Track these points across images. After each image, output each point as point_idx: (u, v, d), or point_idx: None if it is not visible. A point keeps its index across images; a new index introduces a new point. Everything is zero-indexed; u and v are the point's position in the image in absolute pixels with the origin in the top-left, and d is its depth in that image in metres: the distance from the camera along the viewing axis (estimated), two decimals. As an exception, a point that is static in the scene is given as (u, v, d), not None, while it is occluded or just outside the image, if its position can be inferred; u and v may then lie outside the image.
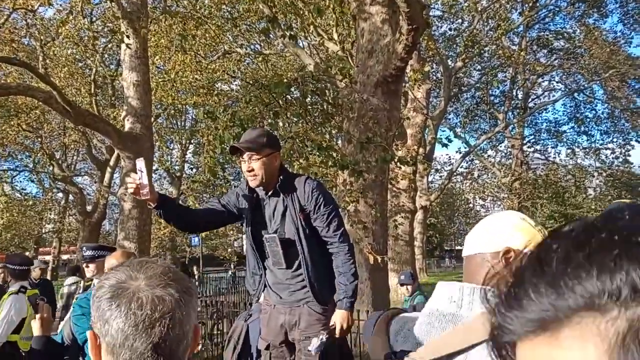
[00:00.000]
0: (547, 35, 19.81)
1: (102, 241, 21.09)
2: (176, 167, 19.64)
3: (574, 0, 17.82)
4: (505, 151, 23.74)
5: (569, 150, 22.92)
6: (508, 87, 21.29)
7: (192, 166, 19.49)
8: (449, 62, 16.45)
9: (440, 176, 23.06)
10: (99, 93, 16.52)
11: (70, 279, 7.86)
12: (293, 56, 12.35)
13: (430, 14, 13.70)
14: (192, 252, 25.33)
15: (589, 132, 22.20)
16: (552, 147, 23.61)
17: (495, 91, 21.54)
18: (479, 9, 14.89)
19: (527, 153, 23.64)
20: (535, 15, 18.08)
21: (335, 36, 11.00)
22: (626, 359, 0.29)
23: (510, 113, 21.81)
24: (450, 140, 10.36)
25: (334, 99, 7.22)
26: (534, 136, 23.66)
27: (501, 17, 16.23)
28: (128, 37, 9.44)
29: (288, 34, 7.71)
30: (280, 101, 6.50)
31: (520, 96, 22.38)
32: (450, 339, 1.09)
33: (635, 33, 19.14)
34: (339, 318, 2.54)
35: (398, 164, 6.55)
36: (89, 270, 3.46)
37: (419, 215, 14.62)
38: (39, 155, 18.96)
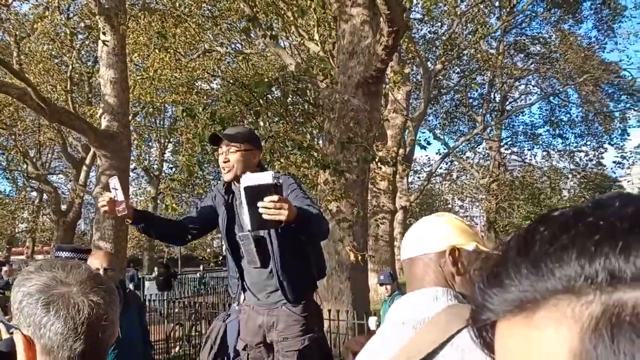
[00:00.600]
0: (524, 40, 20.17)
1: (77, 241, 20.69)
2: (155, 166, 19.37)
3: (550, 6, 18.16)
4: (483, 153, 24.07)
5: (544, 153, 23.37)
6: (486, 90, 21.59)
7: (170, 165, 19.33)
8: (429, 65, 16.60)
9: (419, 177, 23.26)
10: (76, 90, 16.20)
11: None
12: (274, 56, 12.31)
13: (411, 16, 13.81)
14: (171, 252, 25.07)
15: (564, 135, 22.67)
16: (529, 150, 24.05)
17: (474, 94, 21.84)
18: (458, 12, 15.07)
19: (505, 155, 24.02)
20: (513, 20, 18.37)
21: (316, 37, 11.01)
22: (597, 344, 0.30)
23: (488, 115, 22.12)
24: (429, 143, 10.44)
25: (315, 99, 7.23)
26: (511, 138, 24.06)
27: (479, 22, 16.46)
28: (105, 33, 9.28)
29: (269, 34, 7.69)
30: (261, 101, 6.47)
31: (498, 99, 22.72)
32: (419, 341, 1.09)
33: (608, 39, 19.59)
34: (288, 202, 2.18)
35: (379, 164, 6.59)
36: None
37: (399, 215, 14.71)
38: (12, 153, 18.52)
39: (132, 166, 15.19)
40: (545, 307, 0.33)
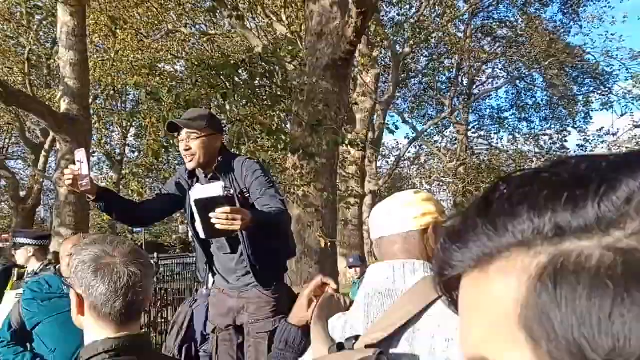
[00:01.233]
0: (491, 23, 20.34)
1: (37, 228, 20.05)
2: (117, 151, 18.88)
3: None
4: (451, 137, 24.34)
5: (510, 136, 23.78)
6: (454, 74, 21.76)
7: (133, 149, 18.84)
8: (397, 48, 16.58)
9: (388, 161, 23.41)
10: (34, 73, 15.57)
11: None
12: (240, 37, 12.05)
13: (379, -2, 13.71)
14: (134, 238, 24.61)
15: (529, 119, 23.11)
16: (495, 133, 24.42)
17: (442, 78, 21.98)
18: (427, -5, 15.07)
19: (472, 138, 24.34)
20: (480, 4, 18.49)
21: (283, 18, 10.81)
22: (541, 291, 0.32)
23: (455, 99, 22.34)
24: (397, 127, 10.50)
25: (283, 82, 7.10)
26: (478, 122, 24.37)
27: (447, 4, 16.49)
28: (73, 15, 8.90)
29: (235, 15, 7.49)
30: (227, 83, 6.31)
31: (465, 83, 22.95)
32: (395, 313, 1.10)
33: (573, 23, 19.91)
34: (242, 211, 2.16)
35: (348, 147, 6.54)
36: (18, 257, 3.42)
37: (368, 200, 14.76)
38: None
39: (92, 150, 14.76)
40: (499, 260, 0.34)
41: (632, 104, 19.20)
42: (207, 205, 2.10)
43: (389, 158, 23.64)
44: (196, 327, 3.46)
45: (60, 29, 9.14)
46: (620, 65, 18.95)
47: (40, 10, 11.16)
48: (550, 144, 23.01)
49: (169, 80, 10.44)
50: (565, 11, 19.57)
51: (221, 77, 6.12)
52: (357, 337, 1.12)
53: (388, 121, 16.56)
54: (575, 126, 22.24)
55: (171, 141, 6.44)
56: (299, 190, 5.88)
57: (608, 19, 21.40)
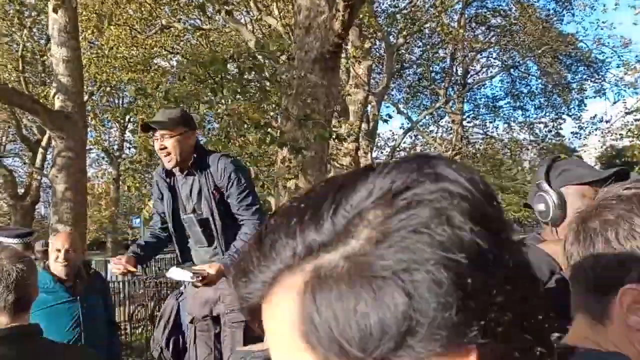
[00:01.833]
0: (485, 12, 20.30)
1: (37, 225, 20.14)
2: (115, 147, 18.93)
3: (510, -23, 18.32)
4: (446, 126, 24.37)
5: (505, 125, 23.81)
6: (448, 63, 21.75)
7: (130, 145, 18.93)
8: (391, 39, 16.59)
9: (383, 152, 23.45)
10: (28, 70, 15.58)
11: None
12: (234, 32, 12.09)
13: (371, -11, 13.70)
14: (134, 234, 24.71)
15: (524, 107, 23.12)
16: (490, 122, 24.43)
17: (436, 68, 21.97)
18: (419, -15, 15.05)
19: (467, 128, 24.37)
20: (474, -7, 18.47)
21: (275, 12, 10.84)
22: (306, 303, 0.37)
23: (450, 89, 22.34)
24: (390, 117, 10.55)
25: (272, 76, 7.17)
26: (473, 111, 24.37)
27: (441, -6, 16.47)
28: (55, 10, 8.92)
29: (224, 10, 7.55)
30: (216, 78, 6.39)
31: (459, 72, 22.94)
32: None
33: (566, 11, 19.88)
34: (210, 267, 2.49)
35: (336, 140, 6.62)
36: None
37: (363, 190, 14.78)
38: (-38, 136, 17.81)
39: (89, 147, 14.81)
40: (275, 286, 0.39)
41: (625, 91, 19.23)
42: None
43: (385, 149, 23.70)
44: (182, 319, 3.58)
45: (52, 25, 9.18)
46: (612, 53, 18.98)
47: (25, 7, 11.14)
48: (546, 131, 23.07)
49: (159, 76, 10.49)
50: (558, -1, 19.56)
51: (210, 72, 6.19)
52: None
53: (383, 112, 16.62)
54: (570, 114, 22.29)
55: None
56: (289, 183, 5.98)
57: (599, 7, 21.40)
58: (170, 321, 3.51)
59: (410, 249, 0.36)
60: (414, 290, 0.35)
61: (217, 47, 12.77)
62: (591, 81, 20.85)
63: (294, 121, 6.17)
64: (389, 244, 0.36)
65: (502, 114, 23.44)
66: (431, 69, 21.41)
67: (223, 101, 6.27)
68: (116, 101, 17.72)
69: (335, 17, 6.34)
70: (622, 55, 18.53)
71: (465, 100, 23.38)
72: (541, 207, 1.56)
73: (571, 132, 22.71)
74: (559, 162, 1.63)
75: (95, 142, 15.20)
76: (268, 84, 7.24)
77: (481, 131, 24.63)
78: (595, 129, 21.55)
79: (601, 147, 25.13)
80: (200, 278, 2.45)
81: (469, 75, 23.11)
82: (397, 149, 20.81)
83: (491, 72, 22.93)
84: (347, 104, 12.16)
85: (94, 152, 19.49)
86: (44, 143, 16.24)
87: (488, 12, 20.15)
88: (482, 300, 0.36)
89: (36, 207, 19.21)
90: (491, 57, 22.94)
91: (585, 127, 21.87)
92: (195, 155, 2.64)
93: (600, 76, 20.22)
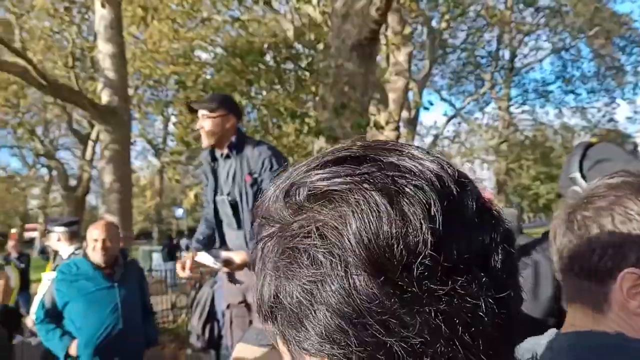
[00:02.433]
0: (533, -7, 19.50)
1: (88, 215, 21.01)
2: (159, 139, 19.44)
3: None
4: (492, 113, 23.69)
5: (556, 110, 22.94)
6: (494, 47, 21.06)
7: (173, 138, 19.33)
8: (433, 24, 16.20)
9: (425, 141, 23.04)
10: (78, 66, 16.15)
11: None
12: (274, 22, 12.09)
13: (412, -26, 13.37)
14: (178, 224, 25.38)
15: (576, 91, 22.16)
16: (540, 107, 23.60)
17: (482, 52, 21.31)
18: (462, -33, 14.58)
19: (515, 114, 23.60)
20: (521, -27, 17.74)
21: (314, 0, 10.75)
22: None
23: (496, 74, 21.67)
24: (431, 104, 10.31)
25: (309, 65, 7.12)
26: (521, 96, 23.56)
27: (486, -24, 15.92)
28: (104, 6, 9.19)
29: (262, 0, 7.55)
30: (253, 69, 6.40)
31: (506, 56, 22.19)
32: None
33: (620, -11, 18.83)
34: (237, 255, 2.55)
35: (374, 128, 6.52)
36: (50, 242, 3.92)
37: (405, 180, 14.56)
38: (19, 131, 18.68)
39: (134, 140, 15.24)
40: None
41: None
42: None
43: (427, 137, 23.28)
44: (217, 307, 3.62)
45: (99, 22, 9.49)
46: (671, 32, 17.87)
47: (74, 5, 11.52)
48: (599, 116, 22.07)
49: (204, 67, 10.65)
50: (611, -24, 18.53)
51: (246, 63, 6.20)
52: None
53: (424, 99, 16.27)
54: (624, 98, 21.21)
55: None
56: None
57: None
58: (205, 309, 3.57)
59: (291, 272, 0.43)
60: (279, 299, 0.44)
61: (255, 37, 12.82)
62: (647, 63, 19.75)
63: (331, 110, 6.11)
64: (283, 257, 0.44)
65: (552, 99, 22.57)
66: (476, 53, 20.79)
67: (261, 91, 6.27)
68: (160, 94, 18.16)
69: (373, 4, 6.23)
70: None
71: (513, 85, 22.64)
72: None
73: (626, 117, 21.66)
74: (592, 149, 1.51)
75: (140, 134, 15.61)
76: (305, 73, 7.20)
77: (530, 117, 23.81)
78: (653, 113, 20.41)
79: (659, 131, 23.78)
80: (223, 264, 2.50)
81: (516, 59, 22.31)
82: (440, 137, 20.40)
83: (540, 55, 22.10)
84: (386, 92, 11.97)
85: (139, 145, 20.10)
86: (93, 136, 16.85)
87: (536, -7, 19.34)
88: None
89: (87, 198, 20.03)
90: (540, 39, 22.08)
91: (641, 112, 20.75)
92: (234, 140, 2.69)
93: (657, 57, 19.14)
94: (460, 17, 16.58)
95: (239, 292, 2.75)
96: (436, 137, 18.80)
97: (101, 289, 3.00)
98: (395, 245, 0.39)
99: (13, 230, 18.19)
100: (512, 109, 23.08)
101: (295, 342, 0.43)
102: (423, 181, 0.41)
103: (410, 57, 13.07)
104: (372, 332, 0.39)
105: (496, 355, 0.42)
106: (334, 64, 6.55)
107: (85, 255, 3.09)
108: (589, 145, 1.53)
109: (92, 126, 16.57)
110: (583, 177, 1.46)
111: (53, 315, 3.00)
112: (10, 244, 7.83)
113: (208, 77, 7.50)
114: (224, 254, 2.56)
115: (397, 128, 10.78)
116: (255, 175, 2.63)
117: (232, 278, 2.78)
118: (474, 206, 0.43)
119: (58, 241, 3.81)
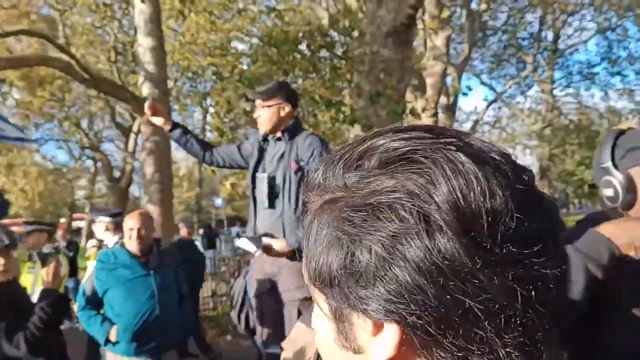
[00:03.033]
0: (578, -30, 18.71)
1: (131, 206, 21.67)
2: (197, 130, 19.78)
3: None
4: (534, 96, 22.96)
5: (602, 93, 22.02)
6: (537, 28, 20.33)
7: (210, 128, 19.59)
8: (472, 5, 15.77)
9: (464, 126, 22.55)
10: (120, 60, 16.56)
11: (92, 241, 8.29)
12: (309, 10, 12.05)
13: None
14: (217, 213, 25.86)
15: (623, 73, 21.17)
16: (585, 90, 22.74)
17: (523, 33, 20.61)
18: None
19: (558, 97, 22.79)
20: (565, -50, 17.03)
21: (349, -14, 10.63)
22: (307, 224, 0.48)
23: (539, 56, 20.94)
24: (470, 89, 10.08)
25: (344, 53, 7.07)
26: (565, 79, 22.69)
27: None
28: (143, 0, 9.36)
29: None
30: (288, 58, 6.40)
31: (549, 38, 21.39)
32: None
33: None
34: (277, 242, 2.57)
35: (409, 115, 6.42)
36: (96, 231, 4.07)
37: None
38: (65, 124, 19.38)
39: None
40: (312, 206, 0.49)
41: None
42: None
43: (466, 123, 22.78)
44: (248, 296, 3.67)
45: (138, 16, 9.66)
46: None
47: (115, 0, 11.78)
48: (649, 98, 21.04)
49: (237, 58, 10.73)
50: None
51: (281, 52, 6.21)
52: None
53: (463, 84, 15.91)
54: (677, 77, 20.11)
55: (241, 118, 6.67)
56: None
57: None
58: (238, 299, 3.63)
59: (368, 228, 0.42)
60: (353, 258, 0.43)
61: (290, 26, 12.82)
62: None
63: (366, 98, 6.05)
64: (360, 214, 0.42)
65: (597, 81, 21.64)
66: (517, 35, 20.12)
67: (296, 80, 6.26)
68: (198, 86, 18.43)
69: (408, -13, 6.11)
70: None
71: (556, 68, 21.83)
72: (609, 192, 1.42)
73: (678, 98, 20.53)
74: (623, 137, 1.44)
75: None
76: (340, 61, 7.15)
77: (574, 100, 22.94)
78: None
79: None
80: (263, 251, 2.54)
81: (560, 40, 21.48)
82: (480, 122, 19.93)
83: (585, 35, 21.22)
84: (423, 77, 11.76)
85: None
86: (135, 128, 17.30)
87: (581, -30, 18.54)
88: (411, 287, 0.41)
89: (130, 189, 20.67)
90: (585, 19, 21.22)
91: (695, 92, 19.66)
92: (289, 126, 2.75)
93: None
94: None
95: (266, 279, 2.78)
96: (476, 122, 18.37)
97: (138, 276, 3.09)
98: (483, 207, 0.40)
99: (62, 220, 19.01)
100: (555, 92, 22.30)
101: (360, 305, 0.43)
102: (498, 154, 0.44)
103: (449, 41, 12.77)
104: (451, 292, 0.40)
105: (554, 329, 0.43)
106: (369, 51, 6.47)
107: (122, 245, 3.20)
108: (620, 133, 1.46)
109: (133, 119, 17.00)
110: (615, 166, 1.41)
111: (93, 302, 3.11)
112: (59, 233, 8.16)
113: (244, 67, 7.54)
114: (265, 240, 2.59)
115: (434, 114, 10.59)
116: (302, 163, 2.67)
117: (260, 268, 2.81)
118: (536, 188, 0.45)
119: (105, 231, 3.96)
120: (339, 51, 7.14)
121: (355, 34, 7.12)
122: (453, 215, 0.39)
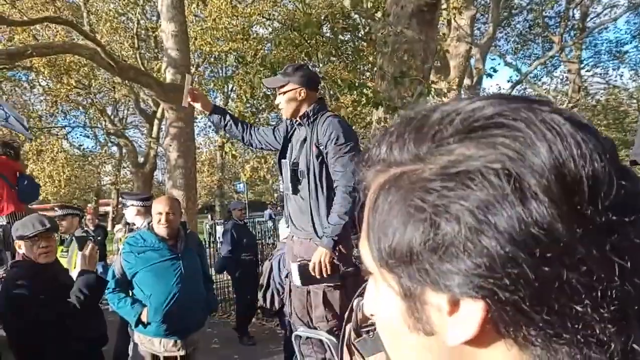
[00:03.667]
0: (608, -56, 18.05)
1: (155, 191, 22.02)
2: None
3: None
4: (561, 77, 22.39)
5: (632, 72, 21.37)
6: (564, 6, 19.74)
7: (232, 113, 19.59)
8: (497, -15, 15.37)
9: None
10: (143, 46, 16.69)
11: (118, 226, 8.47)
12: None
13: None
14: (239, 198, 26.08)
15: (655, 51, 20.52)
16: (614, 69, 22.06)
17: (550, 12, 20.05)
18: None
19: (586, 78, 22.19)
20: None
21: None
22: (373, 200, 0.45)
23: (566, 35, 20.35)
24: (495, 70, 9.85)
25: (367, 34, 6.99)
26: (593, 58, 22.07)
27: None
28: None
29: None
30: (310, 41, 6.36)
31: (577, 16, 20.77)
32: None
33: None
34: (316, 253, 2.57)
35: (434, 97, 6.34)
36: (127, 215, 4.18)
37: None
38: (91, 111, 19.69)
39: (197, 116, 15.70)
40: (375, 180, 0.46)
41: None
42: (302, 272, 2.62)
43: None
44: (275, 278, 3.74)
45: (161, 1, 9.71)
46: None
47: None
48: (682, 77, 20.36)
49: (259, 43, 10.72)
50: None
51: (304, 36, 6.17)
52: None
53: (487, 65, 15.61)
54: None
55: (262, 103, 6.69)
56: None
57: None
58: (264, 280, 3.71)
59: (455, 197, 0.39)
60: (437, 230, 0.39)
61: (312, 9, 12.72)
62: None
63: (390, 80, 5.99)
64: (443, 184, 0.40)
65: (627, 60, 20.99)
66: (544, 13, 19.58)
67: (319, 63, 6.23)
68: (219, 71, 18.47)
69: (432, -34, 5.99)
70: None
71: (584, 47, 21.21)
72: None
73: None
74: None
75: (201, 111, 16.00)
76: (363, 43, 7.08)
77: (602, 80, 22.33)
78: None
79: None
80: (305, 268, 2.58)
81: (588, 19, 20.81)
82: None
83: (615, 12, 20.50)
84: (447, 59, 11.58)
85: (200, 122, 20.63)
86: (158, 115, 17.48)
87: (611, -56, 17.89)
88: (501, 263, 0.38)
89: (154, 174, 20.97)
90: (615, -5, 20.48)
91: None
92: (308, 110, 2.74)
93: None
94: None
95: (295, 262, 2.80)
96: (500, 104, 17.98)
97: (166, 259, 3.14)
98: (584, 172, 0.38)
99: (89, 205, 19.43)
100: (582, 72, 21.71)
101: (443, 281, 0.40)
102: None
103: (473, 21, 12.52)
104: (548, 264, 0.37)
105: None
106: (393, 32, 6.38)
107: (150, 228, 3.25)
108: None
109: (157, 105, 17.19)
110: None
111: (123, 284, 3.19)
112: (88, 217, 8.35)
113: (266, 52, 7.52)
114: (303, 263, 2.62)
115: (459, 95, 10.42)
116: (322, 147, 2.65)
117: (290, 249, 2.87)
118: None
119: (136, 215, 4.04)
120: (361, 33, 7.07)
121: (379, 14, 7.03)
122: (552, 180, 0.37)
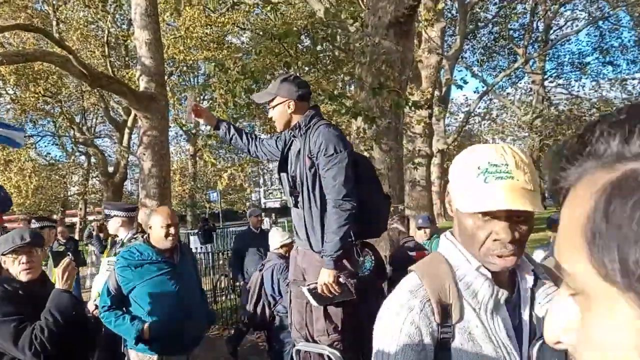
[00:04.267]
0: (568, -39, 18.82)
1: (125, 200, 21.54)
2: (191, 125, 19.69)
3: None
4: (525, 88, 23.11)
5: (593, 83, 22.23)
6: (528, 19, 20.44)
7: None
8: (465, -2, 15.82)
9: (457, 119, 22.68)
10: (113, 54, 16.41)
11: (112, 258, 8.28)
12: (302, 3, 12.03)
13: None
14: (212, 207, 25.77)
15: (615, 62, 21.40)
16: (576, 81, 22.92)
17: (515, 25, 20.73)
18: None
19: (549, 88, 22.97)
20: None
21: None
22: (599, 203, 0.38)
23: (530, 47, 21.05)
24: (465, 82, 10.10)
25: (345, 45, 7.10)
26: (556, 70, 22.91)
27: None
28: (137, -6, 9.29)
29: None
30: (290, 51, 6.42)
31: (541, 29, 21.52)
32: None
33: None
34: (320, 275, 2.56)
35: (412, 108, 6.47)
36: (109, 226, 3.95)
37: (436, 159, 14.47)
38: (59, 119, 19.20)
39: (170, 125, 15.53)
40: (586, 177, 0.42)
41: None
42: (314, 295, 2.60)
43: (458, 115, 22.90)
44: (267, 290, 3.74)
45: (134, 9, 9.59)
46: None
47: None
48: (640, 88, 21.30)
49: (234, 52, 10.71)
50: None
51: (284, 45, 6.22)
52: None
53: (456, 76, 15.99)
54: (668, 67, 20.37)
55: (241, 111, 6.69)
56: (363, 154, 5.95)
57: None
58: (255, 291, 3.70)
59: None
60: None
61: (287, 19, 12.81)
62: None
63: (368, 90, 6.09)
64: None
65: (589, 71, 21.86)
66: (509, 26, 20.24)
67: (298, 73, 6.28)
68: (192, 80, 18.32)
69: (409, -21, 6.13)
70: None
71: (547, 59, 21.99)
72: None
73: (669, 88, 20.79)
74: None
75: (174, 120, 15.84)
76: (340, 53, 7.18)
77: (565, 91, 23.16)
78: (698, 83, 19.56)
79: None
80: (315, 291, 2.57)
81: (551, 31, 21.63)
82: (472, 114, 20.04)
83: (577, 25, 21.34)
84: (419, 69, 11.83)
85: (172, 130, 20.40)
86: (129, 123, 17.18)
87: (572, -39, 18.65)
88: None
89: (124, 184, 20.49)
90: (577, 9, 21.36)
91: (686, 81, 19.92)
92: (300, 121, 2.68)
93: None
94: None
95: (298, 270, 2.83)
96: (468, 114, 18.44)
97: (164, 272, 3.01)
98: None
99: (54, 217, 18.85)
100: (546, 83, 22.47)
101: None
102: None
103: (443, 33, 12.84)
104: None
105: None
106: (371, 42, 6.48)
107: (146, 241, 3.10)
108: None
109: (128, 113, 16.91)
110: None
111: (118, 301, 3.02)
112: (59, 229, 8.11)
113: (245, 60, 7.54)
114: (312, 286, 2.61)
115: (430, 106, 10.68)
116: (314, 158, 2.59)
117: (294, 259, 2.87)
118: None
119: (120, 226, 3.89)
120: (340, 43, 7.16)
121: (354, 26, 7.12)
122: None
